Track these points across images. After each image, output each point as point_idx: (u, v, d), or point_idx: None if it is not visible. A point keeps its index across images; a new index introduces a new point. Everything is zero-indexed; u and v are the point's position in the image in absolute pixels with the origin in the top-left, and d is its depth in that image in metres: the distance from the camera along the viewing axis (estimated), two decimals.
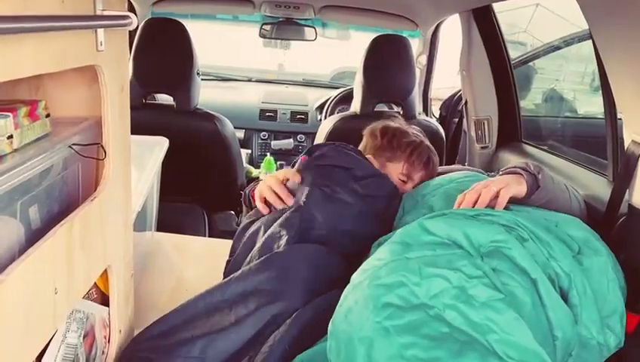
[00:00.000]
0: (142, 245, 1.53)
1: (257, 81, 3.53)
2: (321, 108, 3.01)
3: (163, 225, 1.71)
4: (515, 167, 1.20)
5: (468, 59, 2.02)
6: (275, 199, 1.24)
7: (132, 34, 2.23)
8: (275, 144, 2.91)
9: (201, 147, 2.04)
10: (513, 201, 1.12)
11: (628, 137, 1.16)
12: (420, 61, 2.80)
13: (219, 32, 4.55)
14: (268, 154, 2.77)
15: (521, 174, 1.16)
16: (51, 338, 0.80)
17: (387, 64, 2.14)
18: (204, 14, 3.83)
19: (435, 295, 0.80)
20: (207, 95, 2.90)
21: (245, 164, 2.60)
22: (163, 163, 1.69)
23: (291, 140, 2.94)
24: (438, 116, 2.76)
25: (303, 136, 2.95)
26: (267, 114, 3.01)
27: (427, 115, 2.79)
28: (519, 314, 0.79)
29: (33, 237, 0.75)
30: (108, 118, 0.91)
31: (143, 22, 2.11)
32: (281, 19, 2.69)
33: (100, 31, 0.83)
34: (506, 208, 1.08)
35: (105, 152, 0.92)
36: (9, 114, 0.76)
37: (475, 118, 2.08)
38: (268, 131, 2.98)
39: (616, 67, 1.16)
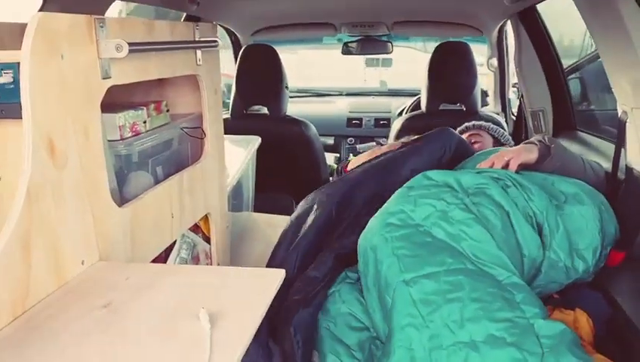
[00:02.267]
0: (241, 221, 1.96)
1: (347, 94, 3.94)
2: (401, 113, 3.33)
3: (258, 210, 2.14)
4: (532, 139, 1.46)
5: (519, 57, 2.24)
6: None
7: (236, 58, 2.75)
8: (360, 147, 3.27)
9: (289, 146, 2.46)
10: (527, 168, 1.38)
11: (619, 109, 1.37)
12: (491, 63, 3.03)
13: (326, 56, 5.04)
14: (351, 155, 3.15)
15: (535, 144, 1.42)
16: (170, 249, 1.23)
17: (449, 67, 2.43)
18: (313, 40, 4.32)
19: (426, 217, 1.11)
20: (304, 108, 3.36)
21: (331, 163, 2.99)
22: (259, 160, 2.14)
23: (374, 143, 3.28)
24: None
25: (385, 139, 3.28)
26: (354, 121, 3.39)
27: (506, 114, 2.99)
28: (490, 232, 1.08)
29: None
30: (206, 111, 1.34)
31: (244, 47, 2.60)
32: (361, 37, 3.07)
33: (198, 51, 1.26)
34: (517, 173, 1.35)
35: (205, 134, 1.35)
36: (143, 108, 1.21)
37: (530, 110, 2.29)
38: (354, 137, 3.36)
39: (607, 53, 1.38)
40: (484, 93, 3.25)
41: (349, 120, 3.42)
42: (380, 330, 1.06)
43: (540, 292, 1.15)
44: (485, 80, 3.27)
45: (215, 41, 1.30)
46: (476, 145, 1.79)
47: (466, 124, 1.95)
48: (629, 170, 1.36)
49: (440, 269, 1.01)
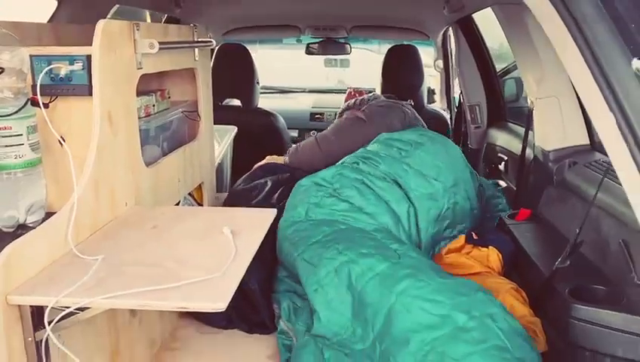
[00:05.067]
0: (221, 199, 2.26)
1: (310, 91, 4.27)
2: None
3: None
4: None
5: (459, 59, 2.63)
6: None
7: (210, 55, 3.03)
8: None
9: (261, 135, 2.77)
10: None
11: (528, 100, 1.76)
12: (437, 65, 3.42)
13: (292, 57, 5.36)
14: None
15: None
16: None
17: (400, 67, 2.79)
18: (273, 40, 4.62)
19: (306, 211, 1.54)
20: (271, 103, 3.67)
21: None
22: (235, 147, 2.43)
23: None
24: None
25: None
26: (316, 116, 3.72)
27: (451, 110, 3.38)
28: (350, 201, 1.52)
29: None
30: (201, 99, 1.64)
31: (218, 46, 2.89)
32: (322, 39, 3.40)
33: (196, 49, 1.56)
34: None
35: (200, 117, 1.65)
36: (152, 94, 1.50)
37: (468, 104, 2.68)
38: (316, 129, 3.69)
39: (519, 56, 1.77)
40: (432, 91, 3.65)
41: (312, 114, 3.74)
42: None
43: (456, 225, 1.58)
44: (433, 80, 3.67)
45: (210, 42, 1.61)
46: None
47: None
48: (536, 147, 1.75)
49: (320, 237, 1.41)
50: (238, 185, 1.83)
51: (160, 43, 1.24)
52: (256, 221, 1.09)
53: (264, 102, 3.67)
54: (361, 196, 1.54)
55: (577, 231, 1.19)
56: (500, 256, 1.45)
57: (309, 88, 4.33)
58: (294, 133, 3.65)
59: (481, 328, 1.08)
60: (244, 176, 1.87)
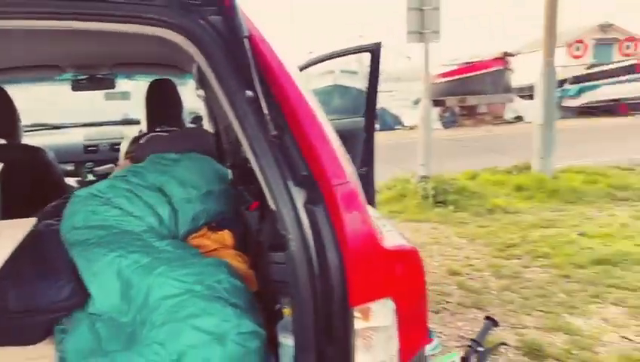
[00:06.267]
0: None
1: (84, 125, 4.39)
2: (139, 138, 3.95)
3: None
4: None
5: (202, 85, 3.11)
6: None
7: None
8: (98, 170, 3.79)
9: (29, 171, 2.88)
10: None
11: None
12: (199, 94, 3.88)
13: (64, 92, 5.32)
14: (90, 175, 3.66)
15: None
16: None
17: (160, 99, 3.17)
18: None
19: (84, 219, 1.83)
20: (42, 140, 3.72)
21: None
22: (4, 187, 2.53)
23: (113, 165, 3.83)
24: None
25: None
26: (89, 148, 3.89)
27: (216, 132, 3.85)
28: (121, 208, 1.86)
29: None
30: None
31: None
32: (87, 76, 3.61)
33: None
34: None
35: None
36: None
37: (223, 126, 3.17)
38: (92, 161, 3.85)
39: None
40: (200, 118, 4.10)
41: (85, 147, 3.90)
42: None
43: (206, 220, 1.98)
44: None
45: None
46: None
47: None
48: None
49: (96, 239, 1.73)
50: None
51: None
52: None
53: (35, 139, 3.71)
54: (130, 203, 1.87)
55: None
56: (232, 236, 1.94)
57: (81, 122, 4.44)
58: (70, 167, 3.76)
59: (209, 290, 1.55)
60: None
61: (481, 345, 2.04)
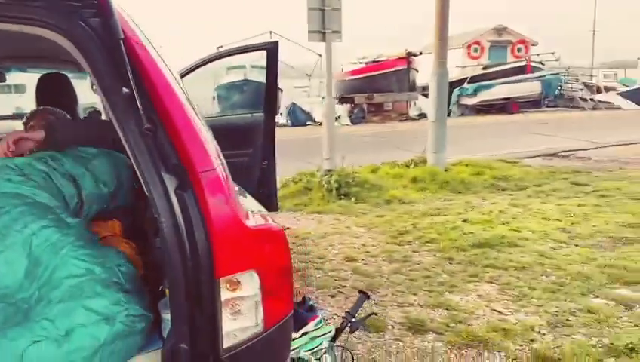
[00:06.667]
0: None
1: None
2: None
3: None
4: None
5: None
6: None
7: None
8: None
9: None
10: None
11: None
12: (94, 88, 3.86)
13: None
14: None
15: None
16: None
17: (52, 92, 3.14)
18: None
19: None
20: None
21: None
22: None
23: None
24: None
25: None
26: None
27: None
28: (37, 189, 1.88)
29: None
30: None
31: None
32: None
33: None
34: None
35: None
36: None
37: None
38: None
39: None
40: (98, 112, 4.06)
41: None
42: None
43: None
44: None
45: None
46: None
47: None
48: None
49: (11, 207, 1.72)
50: None
51: None
52: None
53: None
54: (44, 182, 1.86)
55: None
56: (120, 224, 2.04)
57: None
58: None
59: (108, 273, 1.64)
60: None
61: (353, 317, 2.30)
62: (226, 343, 1.35)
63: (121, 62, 1.31)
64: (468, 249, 4.85)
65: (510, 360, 3.10)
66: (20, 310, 1.61)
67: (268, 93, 4.08)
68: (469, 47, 25.50)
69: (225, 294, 1.34)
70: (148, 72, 1.36)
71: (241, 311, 1.38)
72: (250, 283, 1.38)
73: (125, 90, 1.33)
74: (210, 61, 4.25)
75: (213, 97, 18.26)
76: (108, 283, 1.63)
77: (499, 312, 3.70)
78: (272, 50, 3.94)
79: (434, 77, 7.74)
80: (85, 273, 1.63)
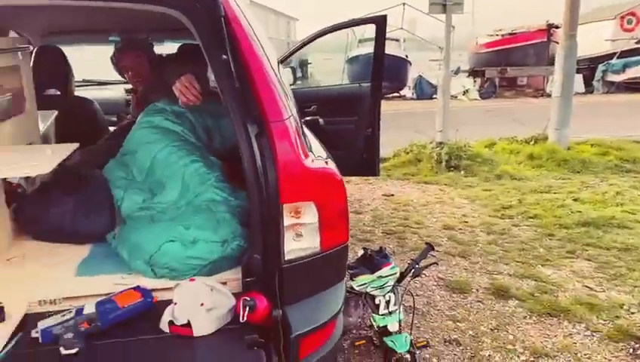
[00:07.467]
0: None
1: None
2: None
3: None
4: None
5: None
6: None
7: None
8: None
9: (79, 116, 3.52)
10: None
11: None
12: None
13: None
14: None
15: None
16: None
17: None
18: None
19: None
20: (92, 93, 4.38)
21: None
22: (59, 127, 3.17)
23: None
24: None
25: None
26: (130, 102, 4.52)
27: None
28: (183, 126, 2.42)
29: None
30: (25, 89, 2.43)
31: (36, 49, 3.56)
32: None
33: (19, 52, 2.35)
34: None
35: (26, 99, 2.44)
36: None
37: None
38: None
39: None
40: None
41: (127, 101, 4.53)
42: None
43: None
44: None
45: (27, 47, 2.41)
46: None
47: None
48: None
49: (170, 141, 2.29)
50: None
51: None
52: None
53: (84, 93, 4.37)
54: (192, 129, 2.45)
55: None
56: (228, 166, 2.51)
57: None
58: (114, 118, 4.42)
59: (236, 204, 2.15)
60: None
61: (417, 264, 2.57)
62: (288, 256, 1.74)
63: (221, 35, 1.71)
64: (571, 227, 4.77)
65: (589, 331, 3.14)
66: (170, 216, 2.13)
67: (375, 65, 4.32)
68: (622, 18, 23.00)
69: (289, 219, 1.72)
70: (240, 44, 1.75)
71: (302, 234, 1.75)
72: (309, 213, 1.74)
73: (224, 56, 1.73)
74: (325, 33, 4.59)
75: (344, 68, 18.80)
76: (234, 213, 2.09)
77: (589, 288, 3.68)
78: (380, 23, 4.17)
79: (561, 50, 7.39)
80: (223, 201, 2.11)
